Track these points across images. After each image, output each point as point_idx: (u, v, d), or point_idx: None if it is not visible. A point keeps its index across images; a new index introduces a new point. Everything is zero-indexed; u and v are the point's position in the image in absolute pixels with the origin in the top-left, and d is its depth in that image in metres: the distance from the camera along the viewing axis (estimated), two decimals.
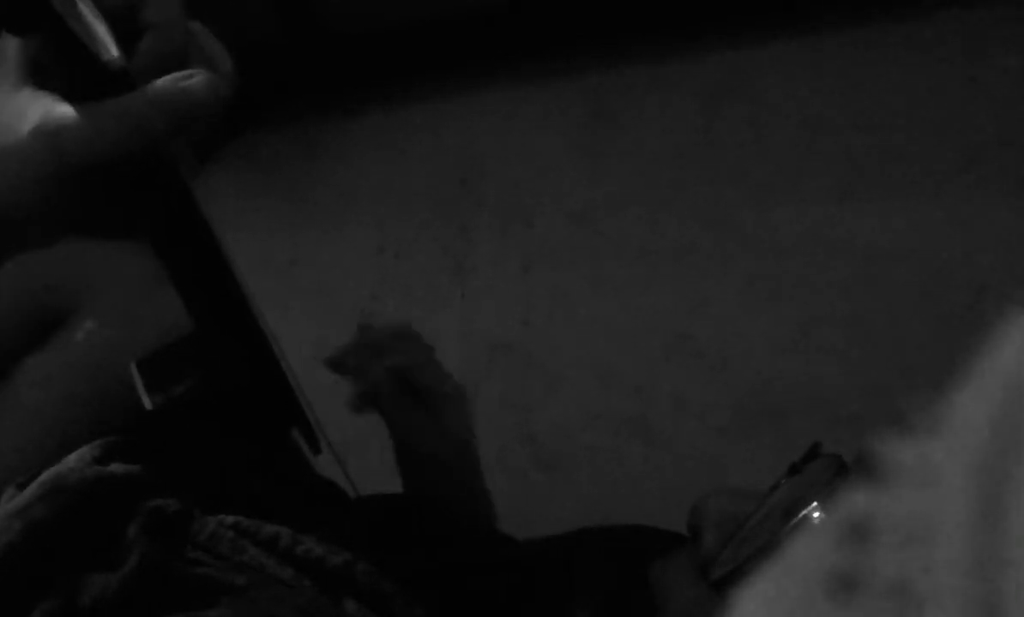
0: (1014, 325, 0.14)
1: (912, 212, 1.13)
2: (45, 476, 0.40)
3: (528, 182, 1.30)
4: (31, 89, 0.36)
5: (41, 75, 0.36)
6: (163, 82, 0.36)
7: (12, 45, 0.36)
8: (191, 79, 0.36)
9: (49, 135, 0.34)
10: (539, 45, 1.36)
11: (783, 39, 1.27)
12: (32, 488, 0.39)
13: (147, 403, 0.51)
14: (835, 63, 1.24)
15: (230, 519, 0.41)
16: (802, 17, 1.27)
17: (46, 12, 0.33)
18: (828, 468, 0.49)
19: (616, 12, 1.33)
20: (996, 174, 1.12)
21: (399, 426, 0.68)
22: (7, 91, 0.36)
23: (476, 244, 1.28)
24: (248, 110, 1.30)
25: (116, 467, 0.41)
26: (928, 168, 1.15)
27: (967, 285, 1.06)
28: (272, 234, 1.36)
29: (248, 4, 1.29)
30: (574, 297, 1.20)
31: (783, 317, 1.12)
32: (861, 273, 1.11)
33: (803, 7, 1.27)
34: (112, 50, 0.35)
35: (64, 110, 0.35)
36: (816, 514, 0.44)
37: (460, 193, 1.32)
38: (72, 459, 0.41)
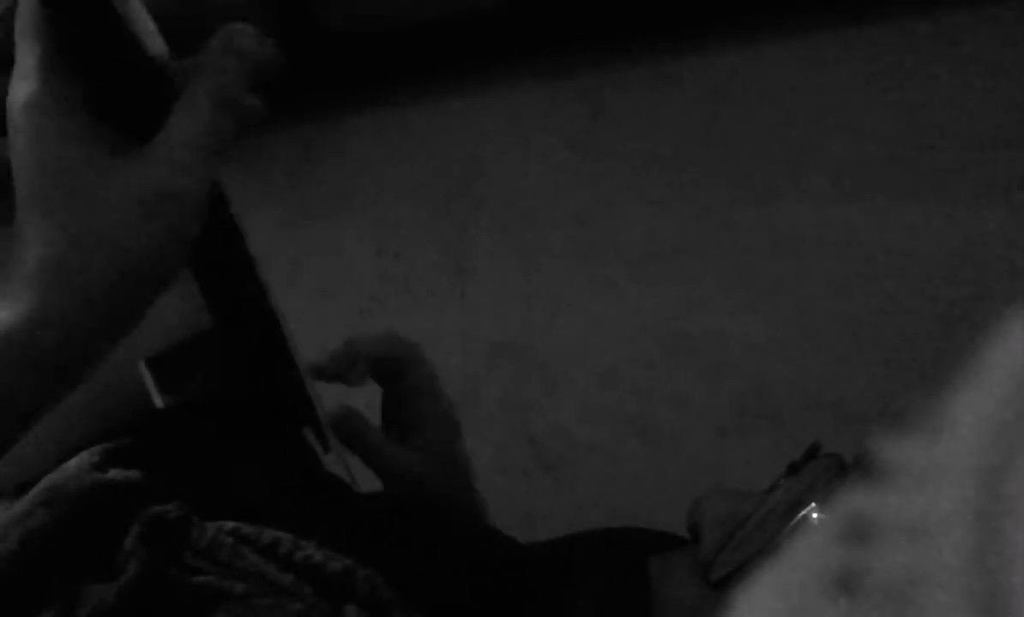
0: (1014, 325, 0.14)
1: (912, 212, 1.13)
2: (44, 483, 0.40)
3: (528, 182, 1.30)
4: (123, 158, 0.38)
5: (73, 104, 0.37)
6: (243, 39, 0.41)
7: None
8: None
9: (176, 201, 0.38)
10: (539, 45, 1.36)
11: (783, 39, 1.27)
12: (31, 495, 0.39)
13: (158, 402, 0.51)
14: (835, 63, 1.24)
15: (230, 525, 0.41)
16: (802, 17, 1.27)
17: None
18: (828, 468, 0.49)
19: (616, 12, 1.33)
20: (996, 174, 1.12)
21: (378, 460, 0.64)
22: (96, 156, 0.37)
23: (476, 244, 1.28)
24: None
25: (115, 473, 0.41)
26: (928, 168, 1.15)
27: (967, 285, 1.06)
28: (272, 234, 1.36)
29: (248, 5, 1.29)
30: (574, 297, 1.20)
31: (783, 317, 1.12)
32: (861, 273, 1.11)
33: (803, 7, 1.27)
34: (160, 44, 0.35)
35: (167, 176, 0.38)
36: (815, 514, 0.44)
37: (460, 193, 1.32)
38: (71, 466, 0.41)
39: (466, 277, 1.26)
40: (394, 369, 0.65)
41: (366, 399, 0.68)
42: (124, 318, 0.39)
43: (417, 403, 0.65)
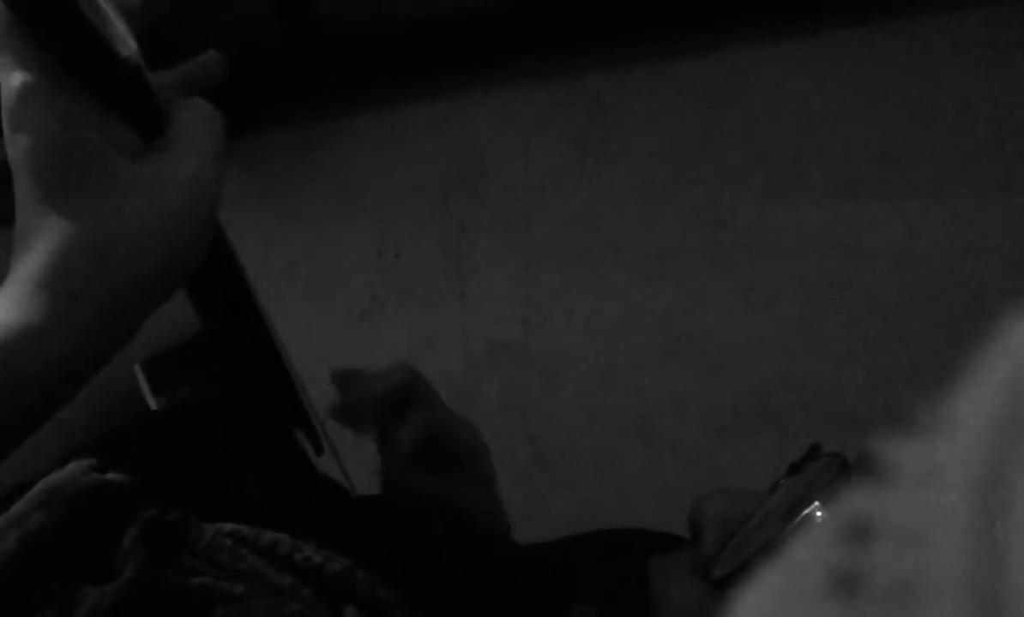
0: (1014, 325, 0.14)
1: (912, 212, 1.13)
2: (42, 485, 0.40)
3: (528, 182, 1.30)
4: (144, 144, 0.37)
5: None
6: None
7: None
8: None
9: (199, 188, 0.38)
10: (539, 45, 1.36)
11: (783, 39, 1.27)
12: (28, 497, 0.39)
13: (152, 404, 0.51)
14: (835, 63, 1.24)
15: (228, 527, 0.41)
16: (802, 17, 1.27)
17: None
18: (829, 468, 0.49)
19: (616, 12, 1.33)
20: (996, 174, 1.12)
21: (417, 494, 0.64)
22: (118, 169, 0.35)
23: (476, 244, 1.28)
24: (248, 111, 1.30)
25: (114, 475, 0.41)
26: (928, 168, 1.15)
27: (967, 285, 1.06)
28: (272, 234, 1.36)
29: (248, 6, 1.29)
30: (574, 297, 1.20)
31: (783, 317, 1.12)
32: (861, 273, 1.11)
33: (803, 7, 1.27)
34: (131, 45, 0.35)
35: (198, 169, 0.37)
36: (818, 514, 0.44)
37: (460, 193, 1.32)
38: (69, 467, 0.41)
39: (466, 277, 1.26)
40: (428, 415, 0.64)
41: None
42: (137, 325, 0.36)
43: (454, 445, 0.66)
